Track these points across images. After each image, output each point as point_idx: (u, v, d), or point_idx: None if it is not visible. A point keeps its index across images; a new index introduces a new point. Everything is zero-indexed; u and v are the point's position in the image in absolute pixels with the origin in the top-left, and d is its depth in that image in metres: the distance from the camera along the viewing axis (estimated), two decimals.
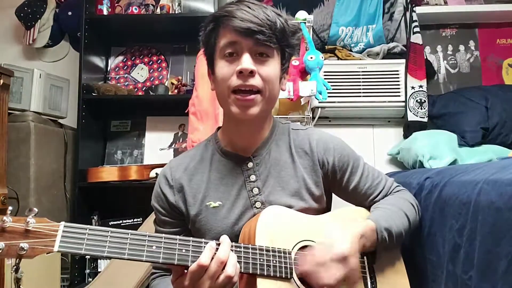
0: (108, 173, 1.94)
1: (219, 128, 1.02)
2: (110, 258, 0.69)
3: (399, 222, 0.91)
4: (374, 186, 0.99)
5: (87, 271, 1.98)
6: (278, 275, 0.80)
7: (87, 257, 1.98)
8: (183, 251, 0.74)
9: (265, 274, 0.79)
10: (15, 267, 0.67)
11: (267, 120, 0.97)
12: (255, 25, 0.82)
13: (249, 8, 0.84)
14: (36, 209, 0.68)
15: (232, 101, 0.86)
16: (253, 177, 0.93)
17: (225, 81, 0.86)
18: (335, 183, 0.99)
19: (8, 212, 0.67)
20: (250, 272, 0.78)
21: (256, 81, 0.84)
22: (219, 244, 0.76)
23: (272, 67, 0.87)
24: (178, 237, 0.76)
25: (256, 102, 0.86)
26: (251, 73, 0.84)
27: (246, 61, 0.83)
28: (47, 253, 0.67)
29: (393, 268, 0.94)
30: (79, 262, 1.96)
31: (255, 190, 0.93)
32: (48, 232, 0.67)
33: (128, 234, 0.72)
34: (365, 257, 0.91)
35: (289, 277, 0.81)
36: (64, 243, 0.68)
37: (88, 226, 0.70)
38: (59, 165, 1.98)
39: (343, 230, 0.84)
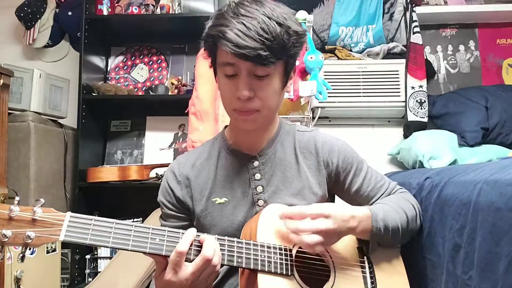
0: (108, 173, 1.94)
1: (226, 126, 1.04)
2: (114, 248, 0.70)
3: (396, 216, 0.91)
4: (376, 188, 1.00)
5: (87, 271, 1.98)
6: (279, 272, 0.81)
7: (87, 256, 1.98)
8: None
9: (266, 270, 0.80)
10: (21, 255, 0.68)
11: (272, 121, 0.98)
12: (250, 50, 0.77)
13: (244, 25, 0.77)
14: (43, 200, 0.70)
15: (234, 117, 0.91)
16: (258, 176, 0.95)
17: (226, 99, 0.89)
18: (338, 185, 1.00)
19: (16, 202, 0.68)
20: (251, 267, 0.79)
21: (254, 104, 0.85)
22: (198, 235, 0.77)
23: (272, 85, 0.86)
24: (181, 230, 0.77)
25: (255, 118, 0.88)
26: (249, 98, 0.84)
27: (243, 88, 0.82)
28: (53, 243, 0.68)
29: (393, 268, 0.94)
30: (79, 262, 1.96)
31: (259, 189, 0.94)
32: (54, 221, 0.69)
33: (132, 226, 0.73)
34: (365, 258, 0.92)
35: (289, 273, 0.82)
36: (69, 233, 0.69)
37: (94, 217, 0.72)
38: (59, 165, 1.98)
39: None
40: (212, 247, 0.75)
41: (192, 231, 0.76)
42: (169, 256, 0.74)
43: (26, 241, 0.66)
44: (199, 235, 0.77)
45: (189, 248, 0.74)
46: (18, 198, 0.69)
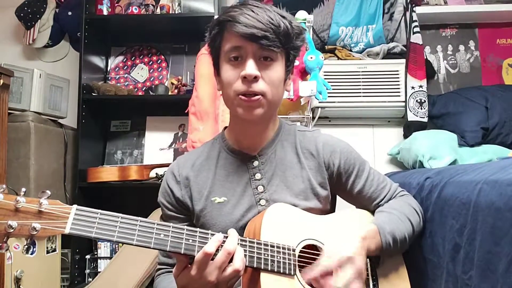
0: (108, 173, 1.94)
1: (226, 127, 1.04)
2: (119, 242, 0.69)
3: (403, 227, 0.92)
4: (379, 190, 1.00)
5: (87, 271, 1.98)
6: (281, 271, 0.81)
7: (87, 256, 1.98)
8: (190, 241, 0.76)
9: (269, 269, 0.80)
10: (26, 246, 0.68)
11: (272, 120, 0.99)
12: (258, 30, 0.83)
13: (253, 12, 0.84)
14: (49, 192, 0.69)
15: (238, 103, 0.88)
16: (258, 176, 0.95)
17: (230, 85, 0.88)
18: (340, 186, 1.00)
19: (22, 193, 0.68)
20: (254, 266, 0.79)
21: (260, 86, 0.86)
22: (226, 237, 0.78)
23: (276, 71, 0.88)
24: (185, 227, 0.77)
25: (261, 104, 0.88)
26: (255, 78, 0.85)
27: (250, 67, 0.85)
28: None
29: (395, 272, 0.94)
30: (79, 262, 1.96)
31: (260, 188, 0.94)
32: (60, 214, 0.69)
33: (138, 221, 0.73)
34: (368, 259, 0.91)
35: (292, 273, 0.82)
36: (75, 225, 0.69)
37: (100, 210, 0.72)
38: (59, 165, 1.98)
39: (347, 232, 0.86)
40: (234, 244, 0.76)
41: (220, 236, 0.77)
42: (174, 252, 0.75)
43: (32, 233, 0.66)
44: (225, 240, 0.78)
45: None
46: (24, 189, 0.68)
